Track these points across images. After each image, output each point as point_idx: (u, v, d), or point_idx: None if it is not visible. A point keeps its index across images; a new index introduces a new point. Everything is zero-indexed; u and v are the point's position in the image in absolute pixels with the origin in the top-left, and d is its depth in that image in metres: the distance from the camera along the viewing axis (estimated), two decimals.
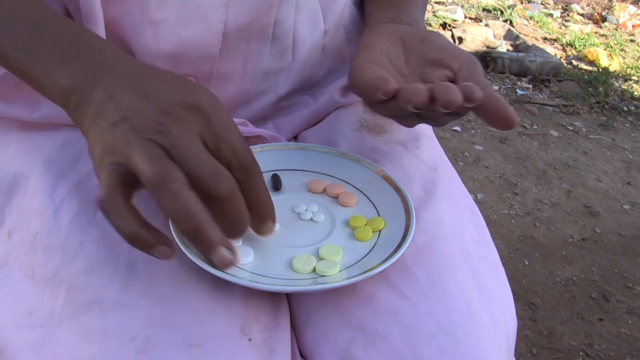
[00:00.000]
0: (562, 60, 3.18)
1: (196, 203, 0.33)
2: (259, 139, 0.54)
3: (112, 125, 0.35)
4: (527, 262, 1.54)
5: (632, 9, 4.42)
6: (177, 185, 0.33)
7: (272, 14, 0.51)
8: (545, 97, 2.71)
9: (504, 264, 0.53)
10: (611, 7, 4.42)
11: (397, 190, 0.48)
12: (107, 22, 0.47)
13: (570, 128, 2.42)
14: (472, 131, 2.24)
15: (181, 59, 0.49)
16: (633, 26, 4.17)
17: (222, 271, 0.39)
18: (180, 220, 0.33)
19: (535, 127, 2.39)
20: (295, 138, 0.59)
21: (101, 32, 0.45)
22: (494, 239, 0.54)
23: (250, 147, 0.52)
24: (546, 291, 1.44)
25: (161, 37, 0.48)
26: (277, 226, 0.43)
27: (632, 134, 2.47)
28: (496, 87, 2.74)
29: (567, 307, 1.39)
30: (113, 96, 0.36)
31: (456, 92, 0.39)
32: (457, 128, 2.24)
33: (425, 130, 0.59)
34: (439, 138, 0.61)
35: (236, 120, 0.53)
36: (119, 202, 0.34)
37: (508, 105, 0.41)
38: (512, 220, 1.72)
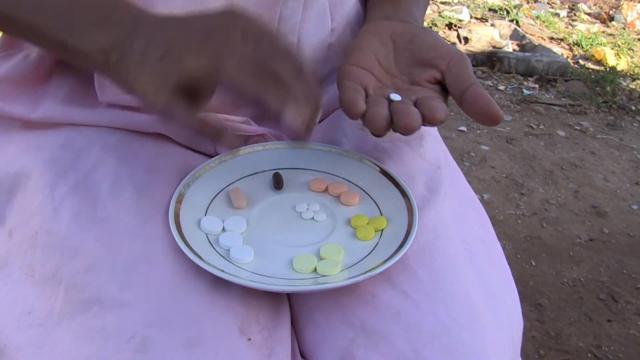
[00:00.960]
0: (568, 60, 3.16)
1: None
2: (261, 138, 0.54)
3: (160, 60, 0.37)
4: (534, 263, 1.53)
5: None
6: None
7: (276, 9, 0.50)
8: (552, 97, 2.69)
9: (510, 265, 0.52)
10: (619, 6, 4.39)
11: (400, 189, 0.47)
12: None
13: (578, 128, 2.41)
14: (479, 131, 2.23)
15: None
16: None
17: (222, 271, 0.38)
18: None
19: (542, 127, 2.38)
20: None
21: None
22: (500, 239, 0.53)
23: (252, 145, 0.52)
24: (553, 292, 1.43)
25: None
26: None
27: None
28: (502, 87, 2.72)
29: (575, 308, 1.38)
30: (152, 40, 0.38)
31: (415, 117, 0.41)
32: (463, 128, 2.23)
33: (428, 128, 0.58)
34: (445, 138, 0.61)
35: (238, 118, 0.52)
36: (179, 98, 0.37)
37: (493, 101, 0.42)
38: (519, 221, 1.71)
